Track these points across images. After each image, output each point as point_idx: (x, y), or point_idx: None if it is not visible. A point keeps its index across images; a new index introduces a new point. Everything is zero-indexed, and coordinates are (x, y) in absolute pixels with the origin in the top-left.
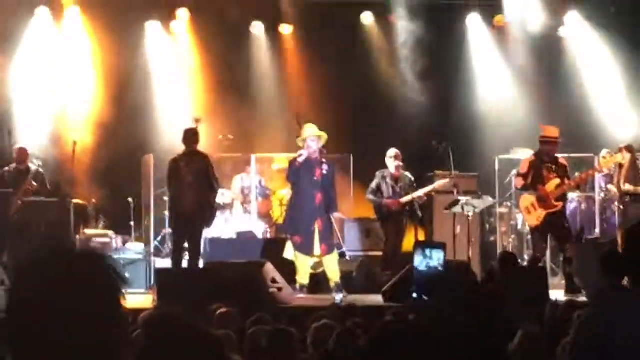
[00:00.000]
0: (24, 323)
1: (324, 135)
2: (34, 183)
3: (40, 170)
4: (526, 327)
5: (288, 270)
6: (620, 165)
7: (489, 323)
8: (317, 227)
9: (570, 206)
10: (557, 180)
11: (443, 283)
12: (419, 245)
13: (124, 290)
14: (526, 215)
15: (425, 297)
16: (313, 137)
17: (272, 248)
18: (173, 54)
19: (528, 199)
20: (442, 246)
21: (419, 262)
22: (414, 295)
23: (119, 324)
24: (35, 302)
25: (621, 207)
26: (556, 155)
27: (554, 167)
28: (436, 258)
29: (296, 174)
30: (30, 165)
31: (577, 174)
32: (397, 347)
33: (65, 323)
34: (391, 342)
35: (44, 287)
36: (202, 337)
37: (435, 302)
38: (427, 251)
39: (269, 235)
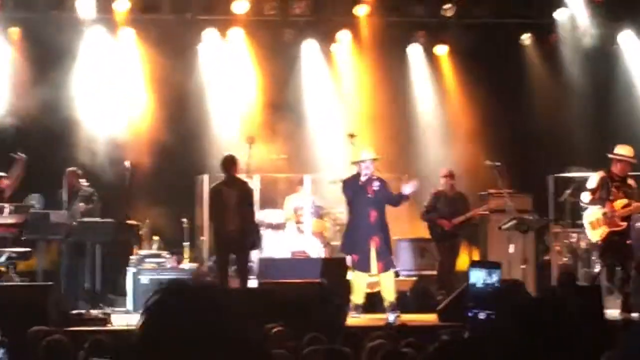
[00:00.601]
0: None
1: (378, 156)
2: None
3: (91, 190)
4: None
5: (346, 290)
6: None
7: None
8: (373, 245)
9: (637, 226)
10: (625, 200)
11: (500, 299)
12: (475, 264)
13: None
14: (590, 230)
15: (481, 314)
16: (369, 161)
17: (329, 268)
18: (227, 73)
19: (594, 214)
20: (497, 265)
21: (476, 279)
22: (469, 312)
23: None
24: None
25: None
26: (626, 175)
27: (622, 186)
28: (492, 276)
29: (351, 189)
30: (82, 186)
31: None
32: None
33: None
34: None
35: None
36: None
37: (492, 318)
38: (483, 269)
39: (323, 255)
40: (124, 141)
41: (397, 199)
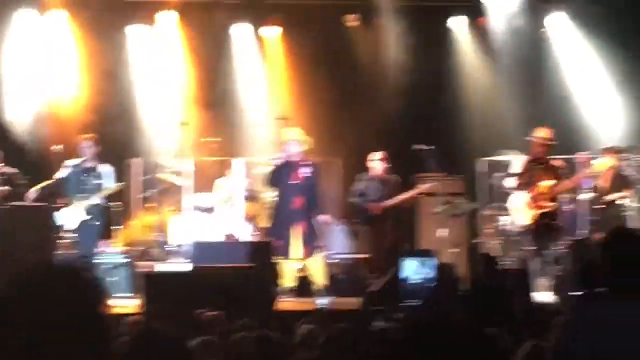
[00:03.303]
0: (8, 343)
1: (307, 140)
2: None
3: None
4: (533, 341)
5: (277, 273)
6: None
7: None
8: (297, 231)
9: (566, 208)
10: (552, 181)
11: (438, 289)
12: (406, 254)
13: (106, 299)
14: (518, 214)
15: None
16: (292, 141)
17: (258, 251)
18: (158, 56)
19: (522, 198)
20: (431, 254)
21: (409, 271)
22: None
23: (101, 335)
24: (19, 320)
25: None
26: (549, 157)
27: (548, 167)
28: (426, 267)
29: (276, 177)
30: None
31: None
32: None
33: (49, 339)
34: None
35: (26, 305)
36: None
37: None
38: (416, 260)
39: (255, 238)
40: (52, 123)
41: (313, 206)
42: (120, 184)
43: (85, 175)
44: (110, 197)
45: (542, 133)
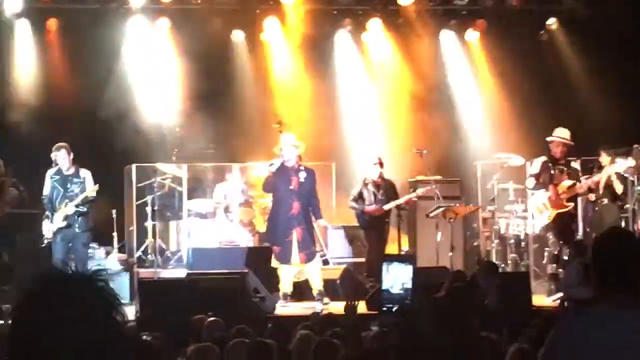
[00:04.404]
0: (25, 349)
1: (301, 145)
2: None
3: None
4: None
5: (274, 279)
6: (600, 167)
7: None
8: (294, 236)
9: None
10: (570, 182)
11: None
12: (386, 260)
13: (119, 308)
14: (538, 214)
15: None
16: (289, 146)
17: (255, 257)
18: (154, 62)
19: (540, 199)
20: (410, 259)
21: (389, 282)
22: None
23: (117, 342)
24: (35, 330)
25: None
26: (567, 157)
27: (565, 168)
28: (405, 274)
29: (271, 183)
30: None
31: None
32: None
33: (65, 347)
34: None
35: (42, 314)
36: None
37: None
38: (395, 267)
39: (252, 244)
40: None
41: (312, 211)
42: (94, 187)
43: (67, 183)
44: (88, 202)
45: (562, 133)
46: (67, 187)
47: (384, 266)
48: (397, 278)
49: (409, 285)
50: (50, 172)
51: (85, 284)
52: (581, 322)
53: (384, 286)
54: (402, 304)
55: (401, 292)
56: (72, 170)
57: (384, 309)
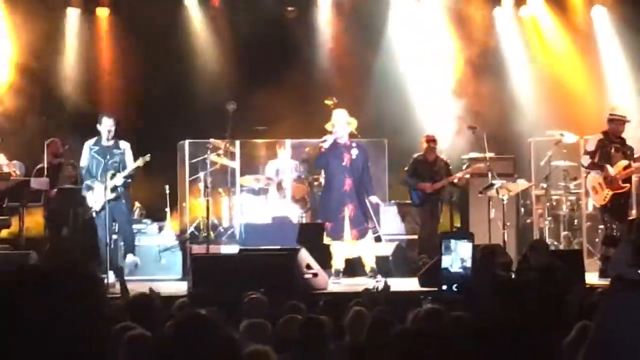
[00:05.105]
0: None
1: (353, 121)
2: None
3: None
4: (584, 322)
5: (326, 255)
6: None
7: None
8: (346, 212)
9: None
10: (625, 162)
11: (473, 282)
12: (445, 237)
13: (105, 296)
14: (593, 194)
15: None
16: (341, 123)
17: (308, 233)
18: (208, 38)
19: (596, 178)
20: (469, 236)
21: (448, 260)
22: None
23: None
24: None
25: None
26: (623, 136)
27: (622, 147)
28: (464, 251)
29: (323, 160)
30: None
31: None
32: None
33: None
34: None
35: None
36: (225, 342)
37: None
38: (454, 244)
39: (304, 220)
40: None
41: (365, 188)
42: (145, 156)
43: (107, 154)
44: (132, 175)
45: (618, 111)
46: (107, 158)
47: (443, 244)
48: (456, 255)
49: (468, 263)
50: (89, 142)
51: (68, 272)
52: (629, 302)
53: (443, 264)
54: (463, 282)
55: (460, 270)
56: (112, 142)
57: (444, 287)
